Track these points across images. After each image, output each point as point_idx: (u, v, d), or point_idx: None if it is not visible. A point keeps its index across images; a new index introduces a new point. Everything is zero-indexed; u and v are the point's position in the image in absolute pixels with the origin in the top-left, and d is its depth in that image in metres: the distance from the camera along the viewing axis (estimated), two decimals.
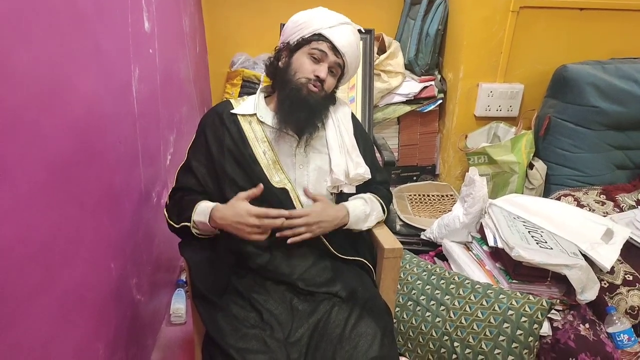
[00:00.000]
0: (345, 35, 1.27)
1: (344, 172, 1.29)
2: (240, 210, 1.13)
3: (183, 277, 2.01)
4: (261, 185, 1.17)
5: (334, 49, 1.25)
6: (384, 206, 1.37)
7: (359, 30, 1.34)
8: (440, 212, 2.26)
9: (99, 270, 1.16)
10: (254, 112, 1.31)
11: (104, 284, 1.20)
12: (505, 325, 1.38)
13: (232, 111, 1.31)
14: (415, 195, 2.44)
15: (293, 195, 1.25)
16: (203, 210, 1.18)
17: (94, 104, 1.12)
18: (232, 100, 1.36)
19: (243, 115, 1.31)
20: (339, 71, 1.30)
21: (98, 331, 1.16)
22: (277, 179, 1.26)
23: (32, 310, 0.85)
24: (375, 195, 1.36)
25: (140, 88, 1.45)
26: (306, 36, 1.26)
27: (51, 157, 0.91)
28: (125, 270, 1.34)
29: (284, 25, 2.11)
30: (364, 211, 1.29)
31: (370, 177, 1.34)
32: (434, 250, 1.95)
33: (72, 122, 1.00)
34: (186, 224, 1.20)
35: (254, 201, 1.23)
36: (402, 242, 1.34)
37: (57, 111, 0.94)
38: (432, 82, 2.56)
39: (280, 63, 1.31)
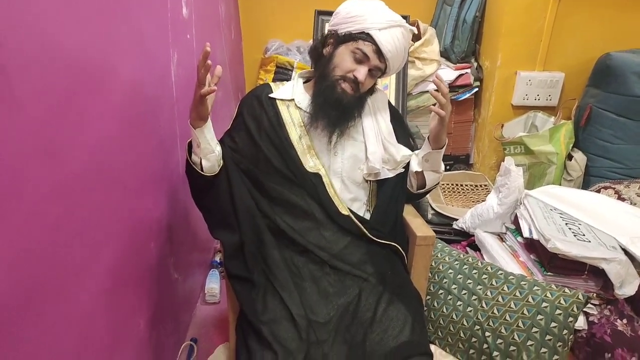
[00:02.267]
0: (393, 39, 1.21)
1: (380, 160, 1.30)
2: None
3: (217, 259, 2.06)
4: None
5: (379, 52, 1.21)
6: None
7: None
8: (473, 202, 2.24)
9: (139, 249, 1.21)
10: (292, 97, 1.32)
11: (144, 262, 1.24)
12: (539, 317, 1.36)
13: (270, 95, 1.32)
14: (448, 184, 2.42)
15: (326, 180, 1.27)
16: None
17: (136, 88, 1.15)
18: (271, 84, 1.37)
19: (281, 99, 1.32)
20: (379, 73, 1.27)
21: (139, 307, 1.20)
22: (311, 164, 1.27)
23: (79, 285, 0.89)
24: None
25: (179, 73, 1.48)
26: (354, 32, 1.21)
27: (97, 140, 0.95)
28: (164, 249, 1.38)
29: (318, 12, 2.13)
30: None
31: (414, 153, 1.36)
32: (466, 240, 1.93)
33: (116, 106, 1.04)
34: (187, 157, 1.20)
35: (288, 184, 1.25)
36: (434, 231, 1.34)
37: (103, 95, 0.97)
38: (468, 70, 2.51)
39: (324, 50, 1.28)
